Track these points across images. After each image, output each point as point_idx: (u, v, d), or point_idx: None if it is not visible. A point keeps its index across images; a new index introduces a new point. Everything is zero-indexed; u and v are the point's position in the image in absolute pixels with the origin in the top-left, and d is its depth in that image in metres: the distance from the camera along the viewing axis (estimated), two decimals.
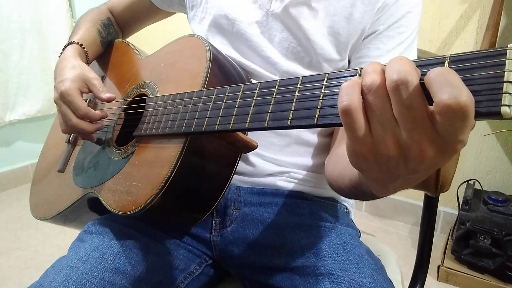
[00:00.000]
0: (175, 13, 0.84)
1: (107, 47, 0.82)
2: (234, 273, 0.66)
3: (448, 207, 1.74)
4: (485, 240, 1.37)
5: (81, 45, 0.72)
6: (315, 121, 0.34)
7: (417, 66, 0.29)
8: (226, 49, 0.65)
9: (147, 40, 1.50)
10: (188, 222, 0.62)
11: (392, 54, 0.59)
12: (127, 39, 0.87)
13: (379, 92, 0.28)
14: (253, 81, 0.64)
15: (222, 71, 0.57)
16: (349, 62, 0.64)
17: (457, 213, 1.46)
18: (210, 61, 0.55)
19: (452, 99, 0.25)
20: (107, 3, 0.86)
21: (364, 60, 0.61)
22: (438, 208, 0.80)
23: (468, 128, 0.26)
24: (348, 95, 0.29)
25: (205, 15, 0.68)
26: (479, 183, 1.56)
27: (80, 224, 0.72)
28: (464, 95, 0.25)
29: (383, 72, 0.29)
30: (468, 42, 1.56)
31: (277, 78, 0.64)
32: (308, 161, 0.67)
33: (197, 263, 0.64)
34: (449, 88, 0.25)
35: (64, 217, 0.71)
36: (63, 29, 2.22)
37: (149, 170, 0.53)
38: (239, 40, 0.65)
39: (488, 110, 0.26)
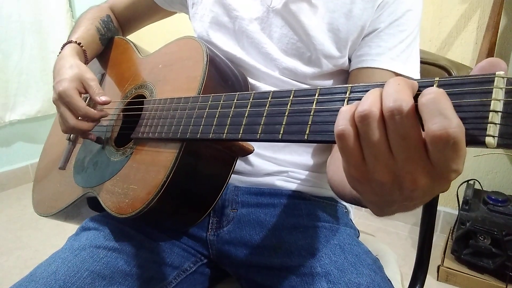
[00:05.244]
0: (176, 12, 0.84)
1: (107, 44, 0.81)
2: (231, 272, 0.66)
3: (448, 207, 1.74)
4: (485, 240, 1.37)
5: (79, 43, 0.72)
6: (306, 137, 0.33)
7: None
8: (227, 46, 0.65)
9: (148, 38, 1.50)
10: (185, 224, 0.62)
11: (393, 52, 0.59)
12: (127, 37, 0.87)
13: (373, 124, 0.28)
14: (252, 81, 0.64)
15: (219, 74, 0.57)
16: (349, 60, 0.63)
17: (457, 213, 1.46)
18: (206, 65, 0.54)
19: (442, 130, 0.24)
20: (108, 1, 0.85)
21: (365, 59, 0.61)
22: (438, 208, 0.80)
23: (461, 158, 0.25)
24: (345, 119, 0.29)
25: (205, 12, 0.68)
26: (479, 183, 1.56)
27: (81, 220, 0.73)
28: (454, 125, 0.24)
29: (380, 99, 0.28)
30: (468, 42, 1.56)
31: (277, 74, 0.64)
32: (307, 160, 0.67)
33: (192, 261, 0.64)
34: (439, 118, 0.25)
35: (65, 214, 0.71)
36: (63, 29, 2.22)
37: (146, 173, 0.54)
38: (240, 36, 0.65)
39: (473, 139, 0.25)
